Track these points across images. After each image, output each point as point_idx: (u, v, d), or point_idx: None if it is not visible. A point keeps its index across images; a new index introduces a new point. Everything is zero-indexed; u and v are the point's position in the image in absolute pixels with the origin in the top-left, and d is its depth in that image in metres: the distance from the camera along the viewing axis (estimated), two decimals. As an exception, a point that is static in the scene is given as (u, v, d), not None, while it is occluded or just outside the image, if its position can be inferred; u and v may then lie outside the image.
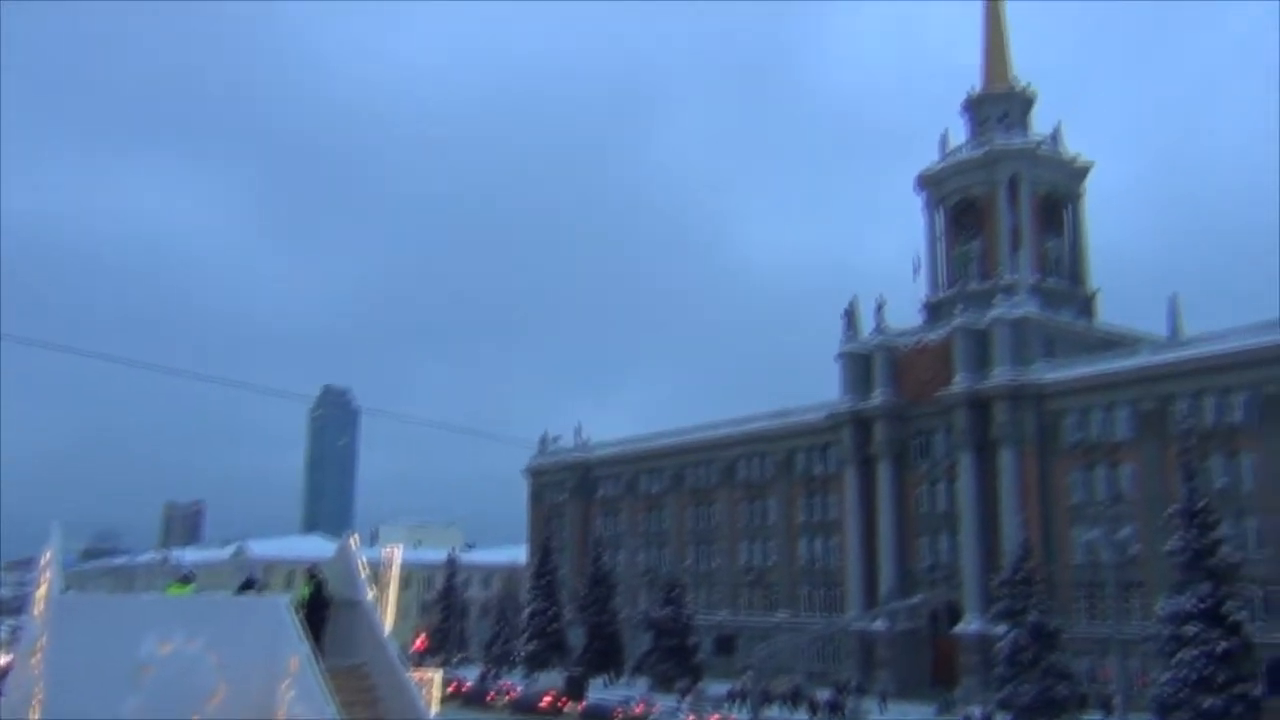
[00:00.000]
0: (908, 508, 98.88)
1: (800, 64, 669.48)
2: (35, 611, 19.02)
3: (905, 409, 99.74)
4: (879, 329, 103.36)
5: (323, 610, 19.46)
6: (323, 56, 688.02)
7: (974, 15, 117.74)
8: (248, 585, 22.07)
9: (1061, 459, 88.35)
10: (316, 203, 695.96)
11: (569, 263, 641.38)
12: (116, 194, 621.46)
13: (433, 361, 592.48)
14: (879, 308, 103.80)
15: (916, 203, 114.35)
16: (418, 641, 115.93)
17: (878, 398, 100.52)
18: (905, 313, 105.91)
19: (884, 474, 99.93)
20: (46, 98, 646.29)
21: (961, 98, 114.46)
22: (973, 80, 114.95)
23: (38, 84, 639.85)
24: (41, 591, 18.88)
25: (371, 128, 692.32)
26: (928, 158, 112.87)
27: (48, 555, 19.41)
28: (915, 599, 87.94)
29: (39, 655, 17.78)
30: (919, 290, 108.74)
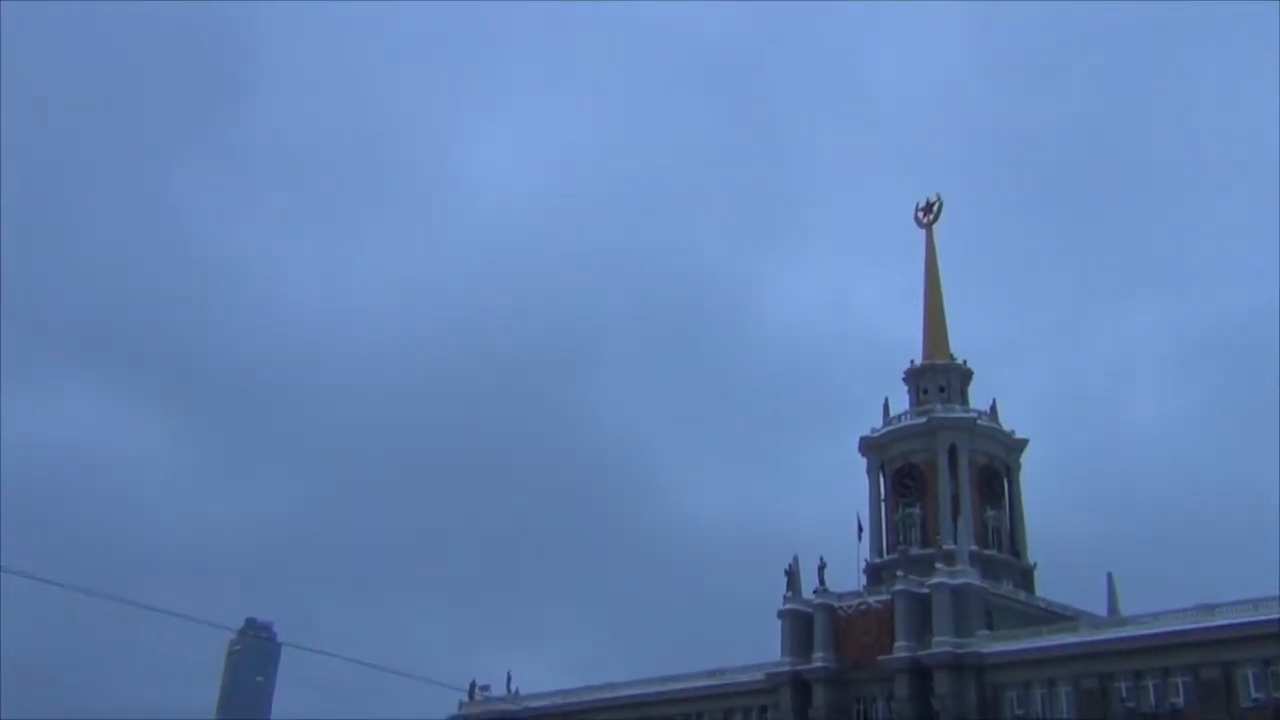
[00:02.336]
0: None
1: (736, 330, 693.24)
2: None
3: (846, 673, 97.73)
4: (821, 589, 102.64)
5: None
6: (262, 290, 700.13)
7: (901, 288, 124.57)
8: None
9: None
10: (247, 435, 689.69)
11: (500, 510, 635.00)
12: (32, 415, 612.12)
13: (361, 601, 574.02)
14: (821, 568, 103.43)
15: (850, 466, 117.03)
16: None
17: (818, 660, 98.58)
18: (842, 575, 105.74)
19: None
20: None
21: (898, 367, 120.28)
22: (906, 350, 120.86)
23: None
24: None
25: (307, 365, 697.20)
26: (858, 424, 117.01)
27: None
28: None
29: None
30: (862, 552, 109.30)
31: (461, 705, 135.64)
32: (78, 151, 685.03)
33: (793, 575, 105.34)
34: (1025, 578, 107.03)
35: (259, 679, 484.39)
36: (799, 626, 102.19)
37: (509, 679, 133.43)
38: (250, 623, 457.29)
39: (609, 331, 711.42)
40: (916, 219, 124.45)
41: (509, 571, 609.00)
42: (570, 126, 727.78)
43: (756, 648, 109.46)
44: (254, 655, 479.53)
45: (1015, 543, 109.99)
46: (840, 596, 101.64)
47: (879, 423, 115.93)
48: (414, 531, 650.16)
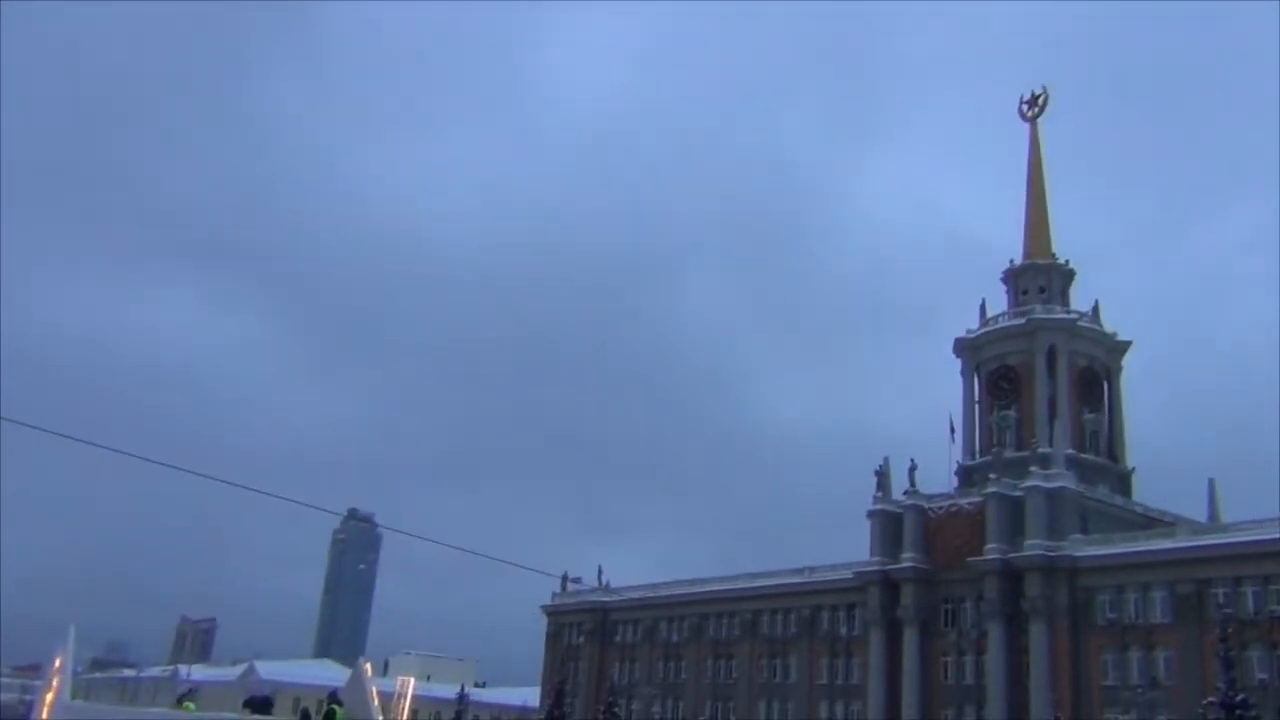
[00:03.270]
0: (934, 677, 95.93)
1: (821, 231, 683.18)
2: (42, 716, 18.51)
3: (935, 574, 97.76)
4: (911, 490, 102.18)
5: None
6: (354, 192, 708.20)
7: (994, 188, 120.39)
8: (262, 705, 21.63)
9: (1095, 638, 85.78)
10: (348, 333, 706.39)
11: (593, 407, 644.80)
12: (150, 316, 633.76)
13: (455, 497, 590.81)
14: (912, 469, 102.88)
15: (941, 368, 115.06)
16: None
17: (907, 560, 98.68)
18: (933, 477, 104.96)
19: (910, 640, 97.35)
20: (95, 224, 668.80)
21: (989, 268, 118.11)
22: (998, 251, 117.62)
23: (84, 210, 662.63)
24: (50, 697, 18.38)
25: (399, 266, 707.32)
26: (948, 325, 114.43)
27: (59, 661, 18.94)
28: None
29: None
30: (954, 454, 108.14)
31: (554, 595, 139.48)
32: (166, 58, 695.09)
33: (883, 476, 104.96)
34: (1123, 483, 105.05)
35: (361, 566, 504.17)
36: (888, 527, 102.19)
37: (600, 571, 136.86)
38: (353, 512, 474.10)
39: (695, 231, 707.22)
40: (1020, 112, 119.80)
41: (601, 468, 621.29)
42: (658, 23, 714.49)
43: (843, 547, 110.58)
44: (357, 543, 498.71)
45: (1113, 447, 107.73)
46: (930, 498, 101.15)
47: (971, 324, 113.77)
48: (512, 429, 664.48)
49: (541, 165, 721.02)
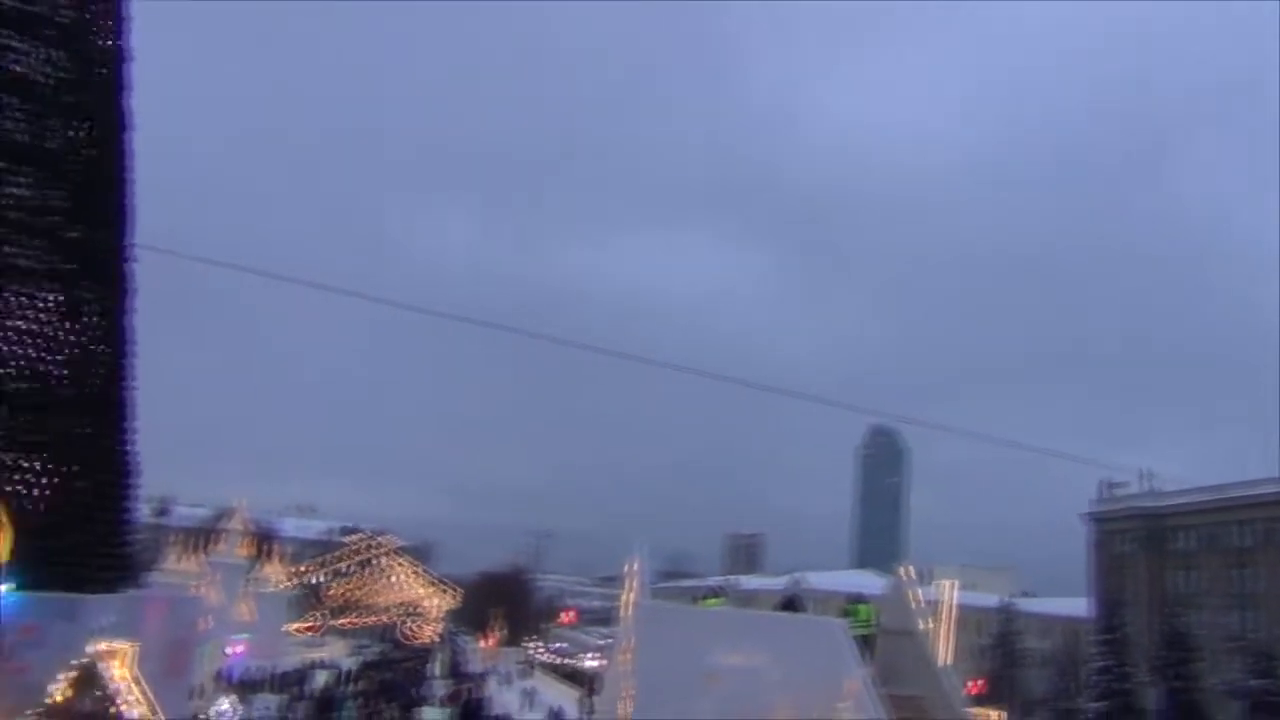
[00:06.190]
0: None
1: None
2: (623, 614, 20.90)
3: None
4: None
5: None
6: (830, 129, 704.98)
7: None
8: (789, 604, 22.63)
9: None
10: (841, 255, 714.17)
11: (1109, 300, 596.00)
12: (676, 259, 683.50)
13: (980, 407, 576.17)
14: None
15: None
16: (973, 685, 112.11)
17: None
18: None
19: None
20: (614, 192, 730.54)
21: None
22: None
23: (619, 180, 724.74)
24: (629, 597, 20.68)
25: (885, 187, 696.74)
26: None
27: (635, 565, 21.14)
28: None
29: (628, 655, 19.46)
30: None
31: (1094, 502, 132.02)
32: (666, 47, 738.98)
33: None
34: None
35: (891, 481, 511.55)
36: None
37: (1147, 475, 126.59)
38: (877, 430, 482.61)
39: (1192, 109, 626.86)
40: None
41: (1130, 365, 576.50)
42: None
43: None
44: (884, 459, 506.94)
45: None
46: None
47: None
48: (1029, 333, 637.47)
49: (1026, 72, 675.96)
